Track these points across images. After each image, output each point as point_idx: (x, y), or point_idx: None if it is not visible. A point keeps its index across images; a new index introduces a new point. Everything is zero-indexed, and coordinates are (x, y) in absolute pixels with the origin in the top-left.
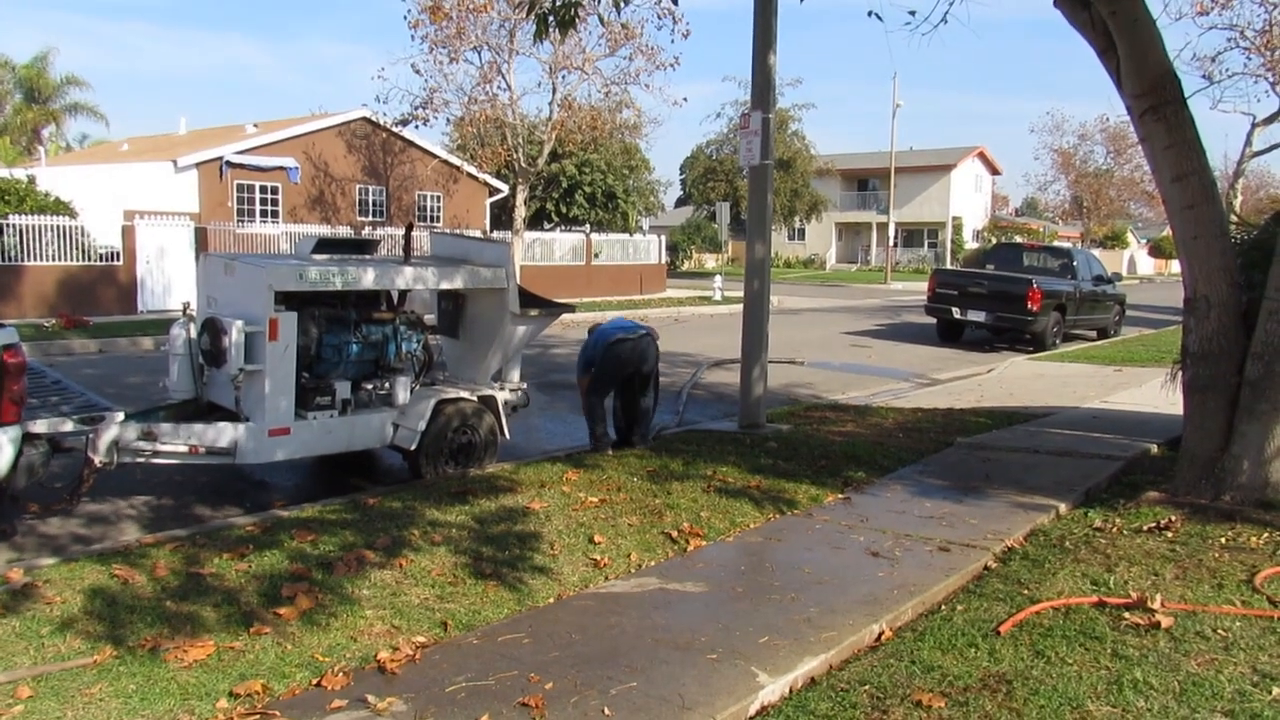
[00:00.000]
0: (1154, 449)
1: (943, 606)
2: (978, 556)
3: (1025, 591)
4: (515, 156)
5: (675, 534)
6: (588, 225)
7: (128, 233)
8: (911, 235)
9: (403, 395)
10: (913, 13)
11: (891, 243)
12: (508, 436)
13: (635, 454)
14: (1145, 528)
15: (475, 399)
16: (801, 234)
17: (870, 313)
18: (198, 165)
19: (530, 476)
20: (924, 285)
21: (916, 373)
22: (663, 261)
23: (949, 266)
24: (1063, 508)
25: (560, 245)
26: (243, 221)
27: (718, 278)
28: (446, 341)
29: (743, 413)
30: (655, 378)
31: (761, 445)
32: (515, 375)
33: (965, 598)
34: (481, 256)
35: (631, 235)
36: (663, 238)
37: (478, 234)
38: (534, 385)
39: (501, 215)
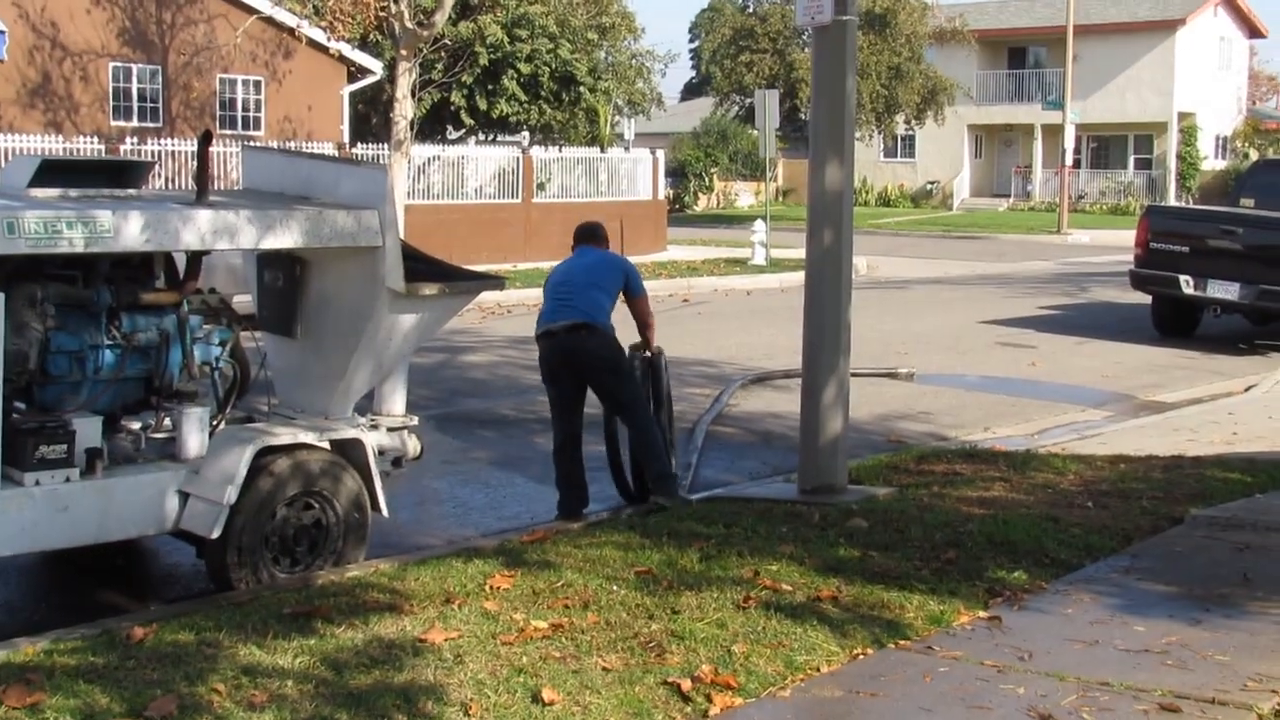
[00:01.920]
0: None
1: None
2: None
3: None
4: (395, 9)
5: (688, 685)
6: (525, 133)
7: None
8: (1105, 146)
9: (196, 441)
10: None
11: (1069, 160)
12: (385, 511)
13: (614, 539)
14: None
15: (327, 445)
16: (909, 146)
17: (1033, 285)
18: None
19: (427, 583)
20: (1128, 235)
21: (1116, 393)
22: (661, 196)
23: (1173, 203)
24: None
25: (478, 168)
26: None
27: (759, 225)
28: (275, 343)
29: (804, 467)
30: (627, 396)
31: (840, 524)
32: (399, 403)
33: None
34: (336, 191)
35: (604, 150)
36: (660, 155)
37: (329, 150)
38: (431, 420)
39: (372, 116)
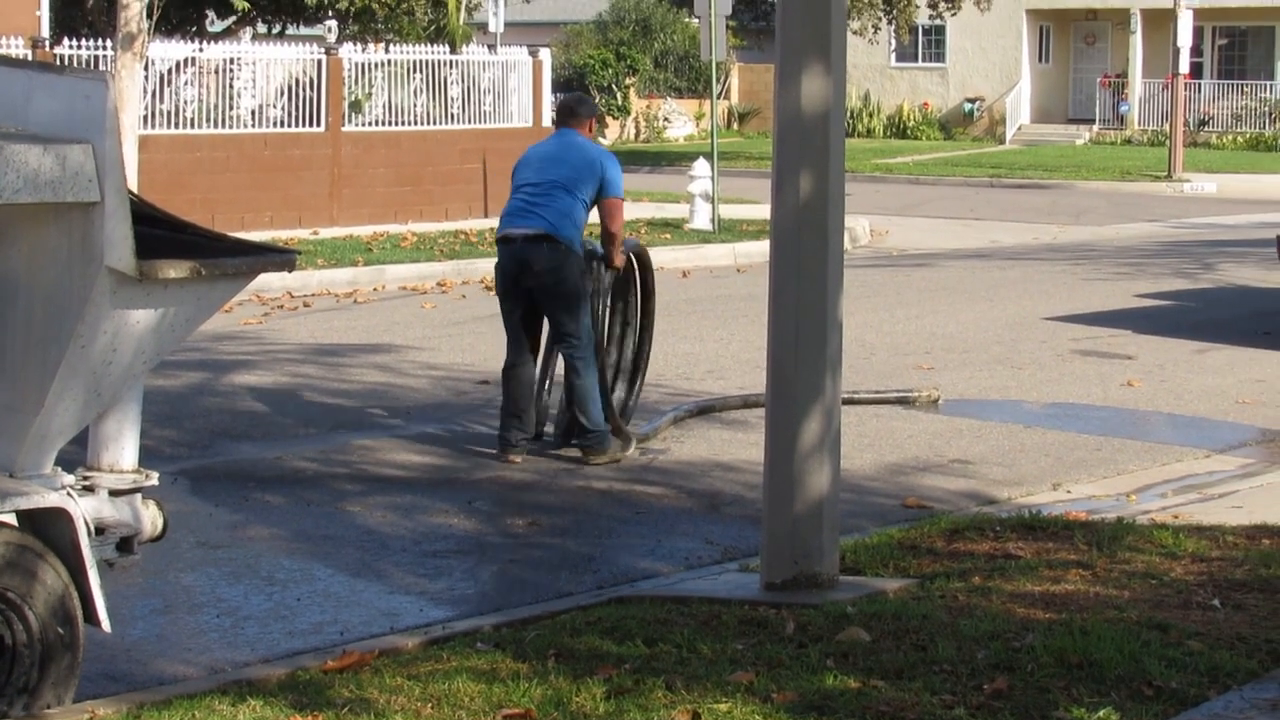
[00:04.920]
0: None
1: None
2: None
3: None
4: None
5: None
6: (331, 23)
7: None
8: (1242, 43)
9: None
10: None
11: (1185, 66)
12: (106, 624)
13: (471, 664)
14: None
15: (12, 520)
16: (937, 43)
17: (1129, 260)
18: None
19: None
20: (1272, 182)
21: (1258, 429)
22: (546, 122)
23: None
24: None
25: (257, 78)
26: None
27: (701, 167)
28: None
29: (771, 548)
30: (577, 330)
31: (827, 637)
32: (128, 452)
33: None
34: (25, 113)
35: (456, 49)
36: (545, 57)
37: (18, 50)
38: (182, 478)
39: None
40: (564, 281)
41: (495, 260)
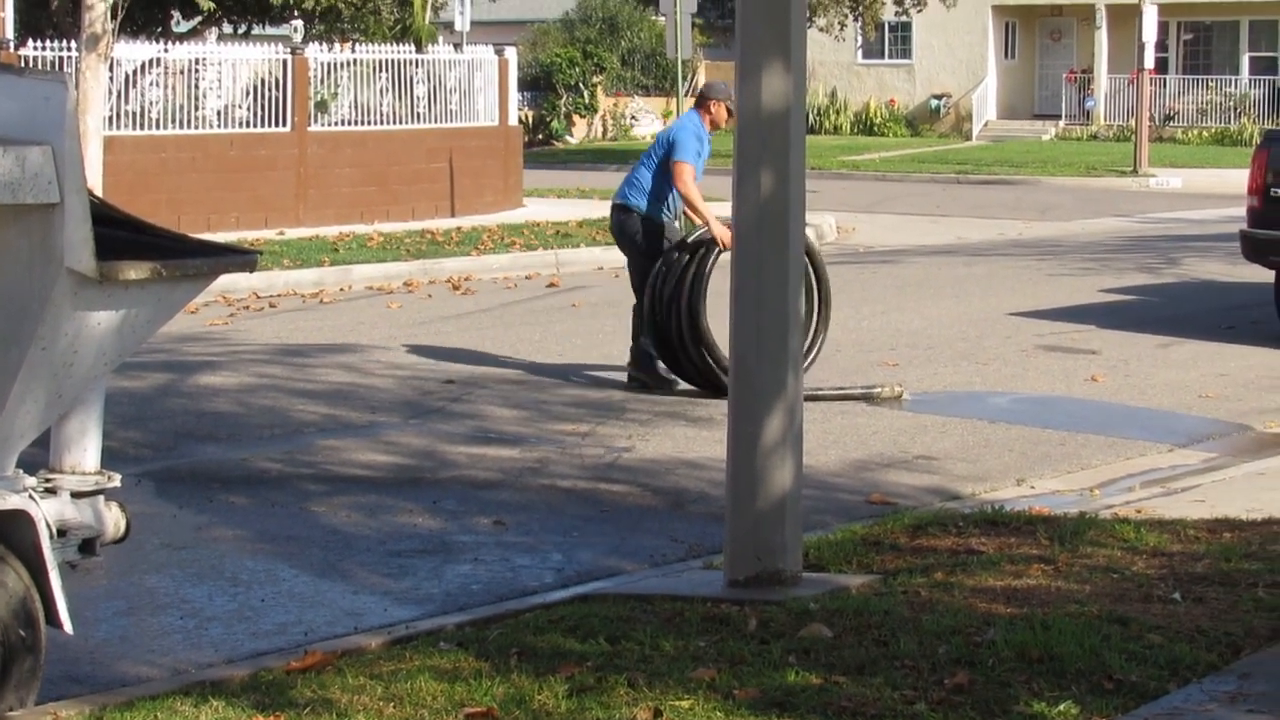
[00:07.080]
0: None
1: None
2: None
3: None
4: None
5: None
6: (297, 23)
7: None
8: (1207, 39)
9: None
10: None
11: (1151, 61)
12: (68, 625)
13: (433, 664)
14: None
15: None
16: (903, 40)
17: (1094, 256)
18: None
19: None
20: (1240, 177)
21: (1221, 422)
22: (513, 121)
23: None
24: None
25: (223, 78)
26: None
27: None
28: None
29: (734, 545)
30: (635, 269)
31: (790, 634)
32: (90, 454)
33: None
34: None
35: (422, 48)
36: (511, 55)
37: None
38: (146, 480)
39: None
40: (625, 237)
41: None
